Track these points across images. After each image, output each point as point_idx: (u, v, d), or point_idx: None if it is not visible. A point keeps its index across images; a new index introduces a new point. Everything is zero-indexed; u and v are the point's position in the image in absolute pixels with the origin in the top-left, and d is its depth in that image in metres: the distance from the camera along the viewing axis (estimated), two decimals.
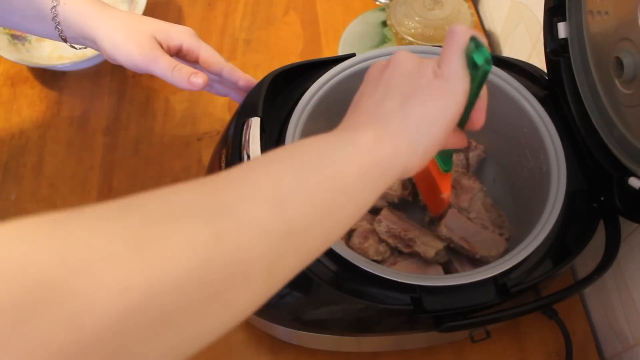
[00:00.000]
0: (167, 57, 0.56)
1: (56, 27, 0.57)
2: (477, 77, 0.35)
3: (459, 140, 0.40)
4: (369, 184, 0.32)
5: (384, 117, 0.34)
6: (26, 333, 0.18)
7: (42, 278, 0.19)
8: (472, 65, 0.35)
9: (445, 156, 0.47)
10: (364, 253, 0.55)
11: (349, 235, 0.57)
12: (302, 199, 0.28)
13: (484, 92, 0.37)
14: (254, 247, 0.25)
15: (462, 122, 0.39)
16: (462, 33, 0.34)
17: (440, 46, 0.58)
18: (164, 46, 0.57)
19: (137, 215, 0.23)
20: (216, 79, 0.62)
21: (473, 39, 0.35)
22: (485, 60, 0.34)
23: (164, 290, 0.22)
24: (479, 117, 0.38)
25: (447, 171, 0.47)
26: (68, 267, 0.20)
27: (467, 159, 0.62)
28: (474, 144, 0.63)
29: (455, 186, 0.59)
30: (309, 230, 0.28)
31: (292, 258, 0.28)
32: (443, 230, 0.55)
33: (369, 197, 0.32)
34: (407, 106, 0.34)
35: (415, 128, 0.33)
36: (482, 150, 0.62)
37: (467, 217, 0.57)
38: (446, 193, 0.49)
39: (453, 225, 0.55)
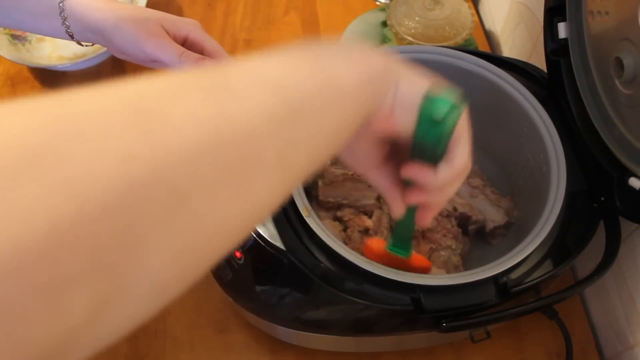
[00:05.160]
0: (175, 44, 0.57)
1: (63, 23, 0.57)
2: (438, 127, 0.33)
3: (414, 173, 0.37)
4: (361, 95, 0.31)
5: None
6: (22, 195, 0.16)
7: (33, 142, 0.17)
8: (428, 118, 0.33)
9: (402, 239, 0.45)
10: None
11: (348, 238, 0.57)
12: (303, 86, 0.28)
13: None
14: (262, 129, 0.24)
15: (435, 156, 0.34)
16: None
17: (440, 46, 0.58)
18: (170, 35, 0.58)
19: (132, 90, 0.22)
20: None
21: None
22: (445, 111, 0.32)
23: (172, 163, 0.20)
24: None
25: (407, 257, 0.46)
26: (62, 134, 0.18)
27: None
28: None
29: None
30: (314, 118, 0.28)
31: (303, 150, 0.27)
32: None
33: (359, 108, 0.32)
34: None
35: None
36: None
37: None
38: (425, 265, 0.49)
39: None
